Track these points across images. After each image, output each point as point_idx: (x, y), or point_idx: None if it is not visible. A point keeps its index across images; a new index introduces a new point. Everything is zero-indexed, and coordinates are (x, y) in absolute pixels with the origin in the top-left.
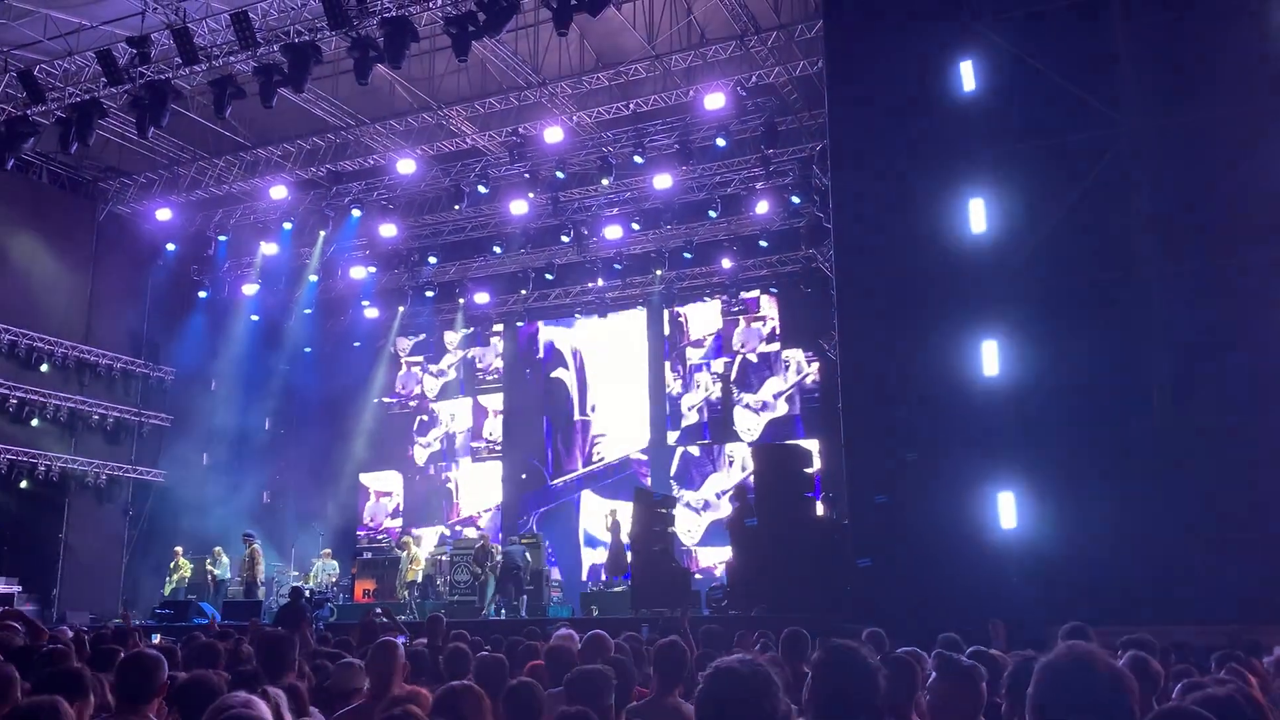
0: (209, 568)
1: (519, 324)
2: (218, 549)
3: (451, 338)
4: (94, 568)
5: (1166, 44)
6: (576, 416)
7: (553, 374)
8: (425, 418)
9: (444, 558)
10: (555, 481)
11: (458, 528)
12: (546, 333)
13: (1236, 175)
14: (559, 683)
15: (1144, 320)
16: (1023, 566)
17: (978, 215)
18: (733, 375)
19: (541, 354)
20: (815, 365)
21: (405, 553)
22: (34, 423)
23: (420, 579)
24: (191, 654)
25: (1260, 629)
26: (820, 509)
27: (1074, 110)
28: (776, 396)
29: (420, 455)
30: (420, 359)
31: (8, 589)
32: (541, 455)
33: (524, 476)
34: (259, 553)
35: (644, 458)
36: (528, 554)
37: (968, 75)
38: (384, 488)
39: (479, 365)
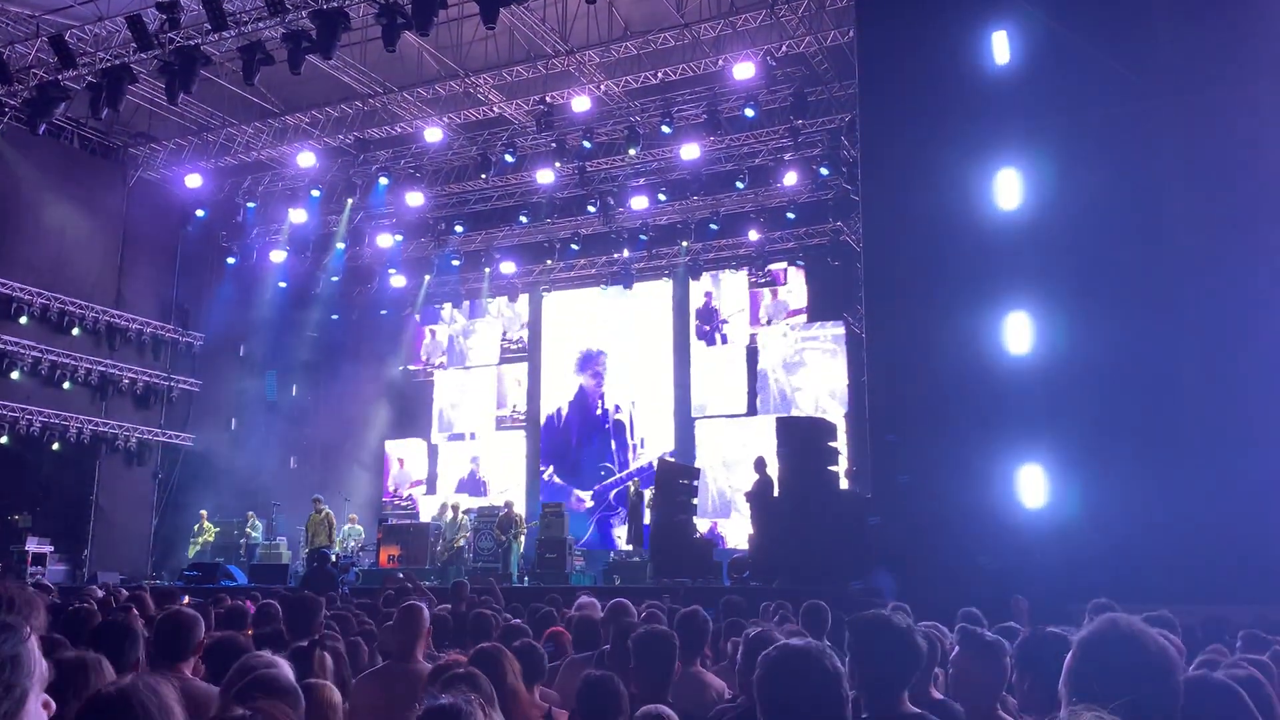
0: (248, 530)
1: (600, 401)
2: (251, 513)
3: (476, 306)
4: (124, 529)
5: (1204, 17)
6: (630, 441)
7: (615, 416)
8: (448, 385)
9: (444, 524)
10: (619, 475)
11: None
12: (612, 395)
13: (1273, 152)
14: (580, 649)
15: (1175, 297)
16: (1048, 544)
17: (1009, 188)
18: (758, 347)
19: (613, 409)
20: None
21: (453, 518)
22: (65, 386)
23: (465, 544)
24: (220, 615)
25: None
26: (844, 483)
27: (1109, 83)
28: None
29: (444, 424)
30: (445, 327)
31: (40, 549)
32: (611, 461)
33: (602, 473)
34: (333, 516)
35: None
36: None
37: (1001, 46)
38: (408, 455)
39: (505, 334)
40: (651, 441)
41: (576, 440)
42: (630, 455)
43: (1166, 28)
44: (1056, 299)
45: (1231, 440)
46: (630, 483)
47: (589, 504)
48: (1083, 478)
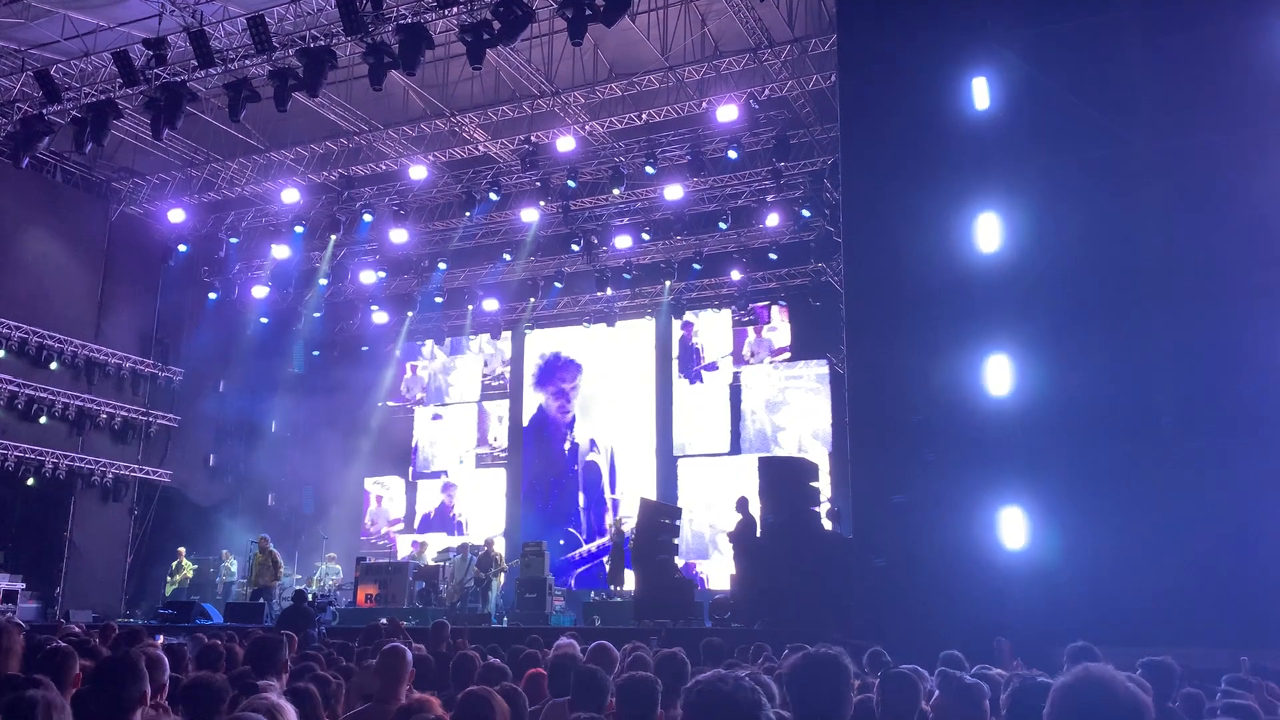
0: (227, 568)
1: (568, 437)
2: (225, 551)
3: (458, 344)
4: (98, 567)
5: (1182, 64)
6: (608, 496)
7: (588, 457)
8: (427, 422)
9: (447, 563)
10: (587, 548)
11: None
12: (584, 429)
13: (1249, 196)
14: (560, 691)
15: (1154, 340)
16: (1028, 586)
17: (989, 232)
18: (741, 386)
19: (586, 446)
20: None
21: (461, 557)
22: (42, 420)
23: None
24: (196, 655)
25: (1266, 652)
26: (827, 523)
27: (1087, 128)
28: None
29: (423, 461)
30: (426, 364)
31: (11, 586)
32: (577, 525)
33: (562, 543)
34: (276, 556)
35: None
36: None
37: (981, 91)
38: (387, 492)
39: (485, 371)
40: (634, 495)
41: (529, 486)
42: (607, 515)
43: (1143, 74)
44: (1036, 341)
45: (1213, 483)
46: (613, 523)
47: None
48: (1063, 519)
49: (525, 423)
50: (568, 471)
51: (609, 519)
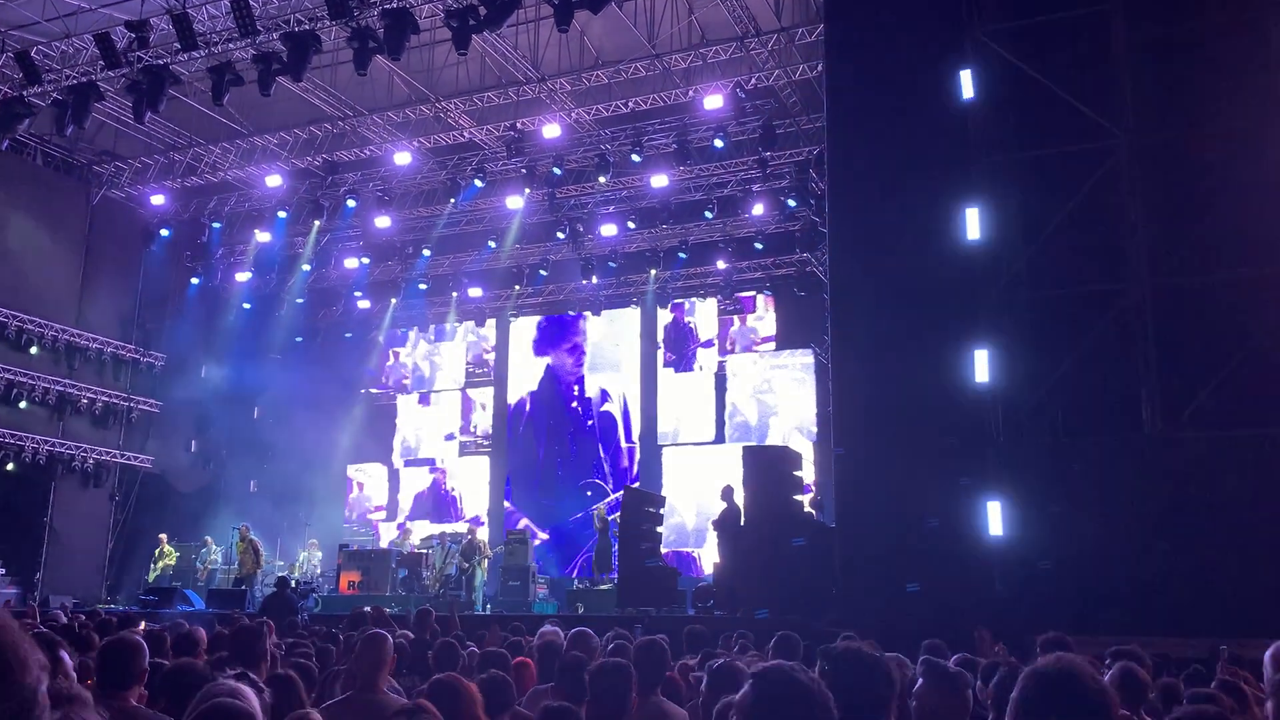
0: (212, 556)
1: (576, 386)
2: (208, 538)
3: (442, 331)
4: (78, 552)
5: (1165, 58)
6: (623, 444)
7: (602, 409)
8: (411, 409)
9: (430, 551)
10: (614, 496)
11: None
12: (595, 380)
13: (1231, 190)
14: (547, 678)
15: (1136, 332)
16: (1009, 575)
17: (973, 223)
18: (726, 375)
19: (598, 398)
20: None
21: (441, 545)
22: (22, 405)
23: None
24: (175, 642)
25: (1242, 642)
26: (811, 512)
27: (1072, 121)
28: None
29: (406, 449)
30: (410, 351)
31: None
32: (601, 475)
33: (589, 494)
34: (257, 544)
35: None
36: None
37: (967, 84)
38: (369, 479)
39: (469, 359)
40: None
41: (546, 448)
42: (629, 465)
43: (1130, 67)
44: (1018, 332)
45: (1193, 474)
46: (596, 511)
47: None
48: (1044, 509)
49: (535, 386)
50: (583, 426)
51: (599, 511)
